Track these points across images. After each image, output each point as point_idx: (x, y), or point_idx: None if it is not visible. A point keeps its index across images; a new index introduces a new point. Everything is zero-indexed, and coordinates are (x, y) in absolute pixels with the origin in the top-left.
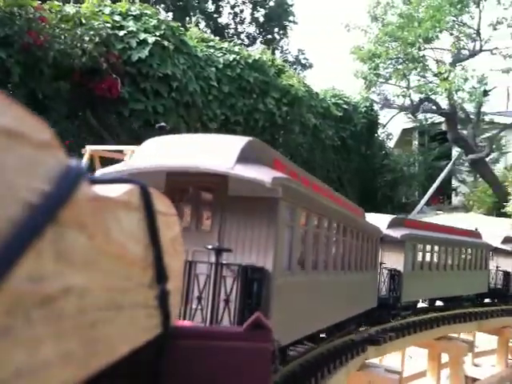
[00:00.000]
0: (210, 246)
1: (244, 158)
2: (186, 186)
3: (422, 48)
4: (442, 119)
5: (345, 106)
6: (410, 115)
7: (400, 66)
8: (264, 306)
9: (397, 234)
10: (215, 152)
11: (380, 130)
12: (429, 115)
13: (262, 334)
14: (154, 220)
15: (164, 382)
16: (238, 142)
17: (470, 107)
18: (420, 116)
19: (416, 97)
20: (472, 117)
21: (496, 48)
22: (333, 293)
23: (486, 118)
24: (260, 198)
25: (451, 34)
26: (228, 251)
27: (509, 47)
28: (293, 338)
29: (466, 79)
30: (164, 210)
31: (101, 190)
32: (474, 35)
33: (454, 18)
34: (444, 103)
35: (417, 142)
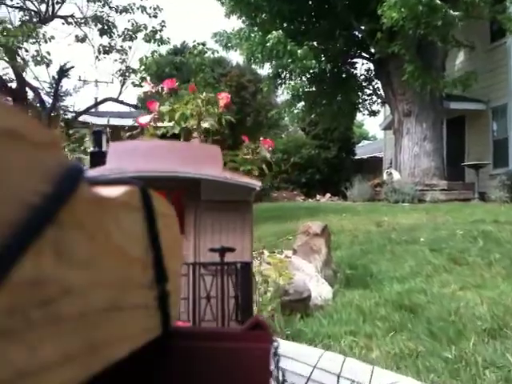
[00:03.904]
0: (216, 247)
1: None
2: (157, 192)
3: None
4: None
5: None
6: None
7: None
8: (250, 299)
9: None
10: (199, 158)
11: None
12: None
13: (260, 335)
14: (154, 221)
15: (163, 382)
16: (214, 148)
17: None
18: None
19: None
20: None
21: (72, 16)
22: None
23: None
24: (232, 201)
25: None
26: (232, 251)
27: (84, 17)
28: None
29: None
30: (164, 210)
31: (101, 190)
32: None
33: None
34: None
35: None
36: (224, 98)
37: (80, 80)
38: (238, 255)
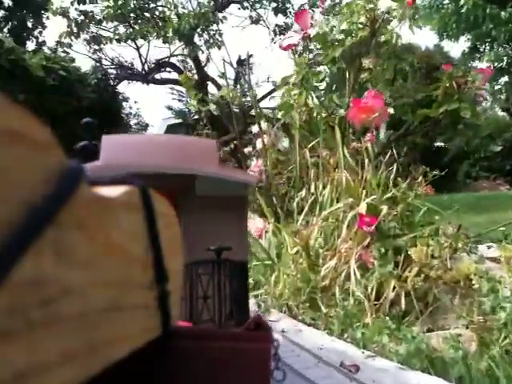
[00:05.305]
0: (212, 247)
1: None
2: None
3: None
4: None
5: (62, 73)
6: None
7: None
8: (246, 299)
9: None
10: (193, 153)
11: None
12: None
13: (262, 335)
14: (154, 220)
15: (163, 382)
16: (210, 142)
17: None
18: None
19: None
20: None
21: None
22: None
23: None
24: (227, 197)
25: None
26: (228, 250)
27: None
28: None
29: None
30: (164, 210)
31: (101, 190)
32: None
33: None
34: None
35: None
36: None
37: (268, 81)
38: (233, 253)
